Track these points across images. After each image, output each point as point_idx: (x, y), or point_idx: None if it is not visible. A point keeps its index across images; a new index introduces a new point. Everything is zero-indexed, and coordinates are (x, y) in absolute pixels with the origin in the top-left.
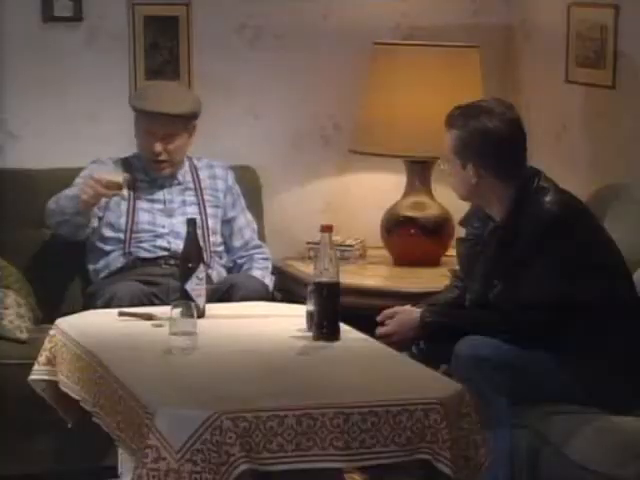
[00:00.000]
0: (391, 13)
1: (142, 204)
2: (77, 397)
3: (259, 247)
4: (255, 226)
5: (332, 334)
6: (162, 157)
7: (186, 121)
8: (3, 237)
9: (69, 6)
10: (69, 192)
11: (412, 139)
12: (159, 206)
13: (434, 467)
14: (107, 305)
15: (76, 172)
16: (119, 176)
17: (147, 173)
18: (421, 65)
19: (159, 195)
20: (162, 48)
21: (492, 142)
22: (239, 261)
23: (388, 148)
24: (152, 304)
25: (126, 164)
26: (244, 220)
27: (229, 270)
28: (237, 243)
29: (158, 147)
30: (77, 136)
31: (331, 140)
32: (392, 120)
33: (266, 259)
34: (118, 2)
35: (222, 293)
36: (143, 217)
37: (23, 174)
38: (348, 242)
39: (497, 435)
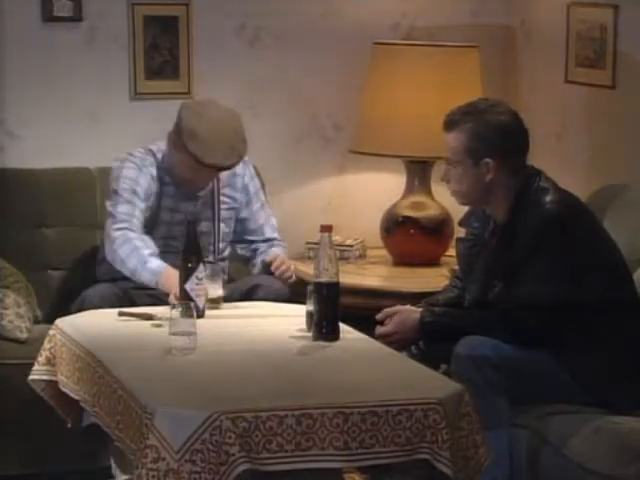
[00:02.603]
0: (391, 13)
1: (164, 215)
2: (77, 397)
3: (279, 240)
4: (274, 221)
5: (332, 334)
6: None
7: None
8: (3, 237)
9: (69, 6)
10: (132, 208)
11: (412, 139)
12: (179, 217)
13: (434, 467)
14: (80, 309)
15: (76, 172)
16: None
17: (175, 184)
18: (421, 65)
19: (181, 206)
20: (162, 48)
21: (504, 134)
22: (254, 246)
23: (388, 148)
24: (122, 305)
25: (159, 169)
26: (264, 217)
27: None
28: (257, 239)
29: (210, 183)
30: (77, 136)
31: (331, 140)
32: (392, 120)
33: (285, 248)
34: (118, 2)
35: (243, 293)
36: (162, 230)
37: (23, 174)
38: (348, 242)
39: (497, 435)
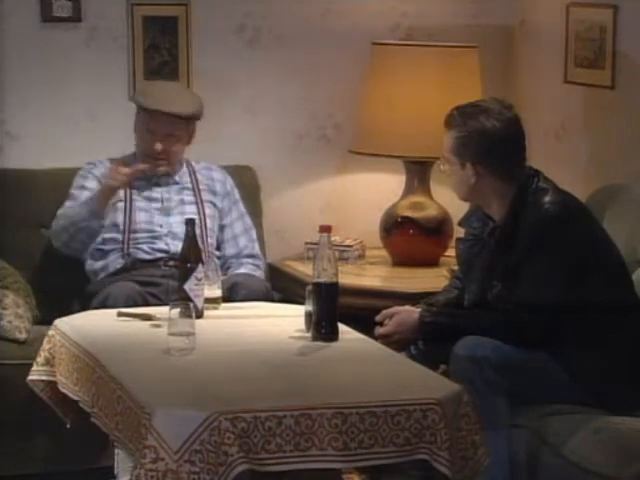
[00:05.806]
0: (390, 13)
1: (139, 203)
2: (76, 397)
3: (253, 257)
4: (254, 235)
5: (331, 334)
6: (161, 156)
7: (186, 122)
8: (3, 237)
9: (68, 6)
10: (75, 203)
11: (411, 139)
12: (156, 205)
13: (432, 467)
14: (102, 305)
15: (75, 172)
16: None
17: (146, 178)
18: (420, 65)
19: (156, 193)
20: (161, 48)
21: (489, 141)
22: (226, 265)
23: (387, 148)
24: (147, 304)
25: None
26: (241, 227)
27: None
28: (229, 251)
29: (158, 146)
30: (76, 136)
31: (330, 140)
32: (391, 120)
33: (257, 268)
34: (117, 2)
35: (223, 292)
36: (140, 216)
37: (23, 174)
38: (347, 242)
39: (496, 435)
